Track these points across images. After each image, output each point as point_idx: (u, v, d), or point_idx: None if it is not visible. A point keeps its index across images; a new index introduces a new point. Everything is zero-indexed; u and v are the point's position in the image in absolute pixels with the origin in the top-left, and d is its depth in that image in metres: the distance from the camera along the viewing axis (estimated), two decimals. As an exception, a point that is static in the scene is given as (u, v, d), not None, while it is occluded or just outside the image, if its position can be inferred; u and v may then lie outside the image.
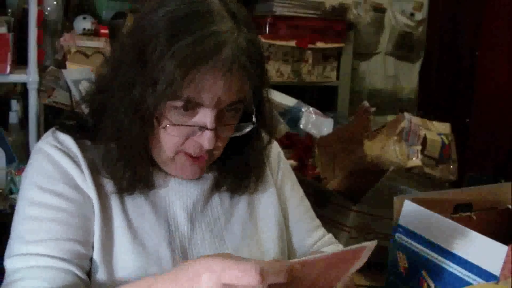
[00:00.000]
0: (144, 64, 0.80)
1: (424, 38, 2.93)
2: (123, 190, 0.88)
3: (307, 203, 1.11)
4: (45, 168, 0.86)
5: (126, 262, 0.86)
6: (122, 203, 0.89)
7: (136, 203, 0.90)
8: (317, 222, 1.12)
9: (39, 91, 1.76)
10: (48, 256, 0.81)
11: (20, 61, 1.79)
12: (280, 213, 1.03)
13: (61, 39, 1.86)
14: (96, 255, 0.85)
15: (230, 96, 0.83)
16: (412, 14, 2.86)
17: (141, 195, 0.90)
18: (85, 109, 0.92)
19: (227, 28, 0.81)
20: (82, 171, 0.87)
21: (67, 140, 0.88)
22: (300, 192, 1.11)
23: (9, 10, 1.89)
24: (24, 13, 1.82)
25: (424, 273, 0.99)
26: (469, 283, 0.90)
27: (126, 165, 0.86)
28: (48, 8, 1.91)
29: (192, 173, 0.90)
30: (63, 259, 0.82)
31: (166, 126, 0.84)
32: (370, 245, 0.72)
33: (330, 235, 1.12)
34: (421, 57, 2.95)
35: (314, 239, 1.09)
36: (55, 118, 1.75)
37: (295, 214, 1.07)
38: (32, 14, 1.73)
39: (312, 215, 1.11)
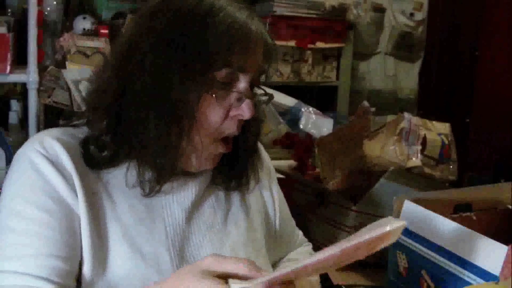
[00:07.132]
0: (186, 35, 0.82)
1: (424, 38, 2.92)
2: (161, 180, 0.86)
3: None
4: (29, 177, 0.81)
5: (123, 271, 0.82)
6: (116, 208, 0.85)
7: (133, 208, 0.86)
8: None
9: (39, 91, 1.76)
10: (25, 274, 0.76)
11: (20, 61, 1.79)
12: (269, 211, 1.05)
13: (61, 39, 1.86)
14: (88, 269, 0.80)
15: (261, 66, 0.89)
16: (412, 14, 2.86)
17: (135, 198, 0.86)
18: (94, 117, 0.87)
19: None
20: (67, 180, 0.81)
21: (55, 146, 0.82)
22: (281, 191, 1.12)
23: (9, 10, 1.89)
24: (24, 13, 1.82)
25: (424, 273, 0.99)
26: (469, 283, 0.90)
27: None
28: (48, 8, 1.90)
29: (215, 161, 0.91)
30: (41, 278, 0.76)
31: (213, 94, 0.83)
32: (396, 227, 0.66)
33: (301, 232, 1.19)
34: (421, 57, 2.95)
35: (299, 235, 1.17)
36: (57, 118, 1.76)
37: (283, 211, 1.09)
38: (32, 14, 1.73)
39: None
